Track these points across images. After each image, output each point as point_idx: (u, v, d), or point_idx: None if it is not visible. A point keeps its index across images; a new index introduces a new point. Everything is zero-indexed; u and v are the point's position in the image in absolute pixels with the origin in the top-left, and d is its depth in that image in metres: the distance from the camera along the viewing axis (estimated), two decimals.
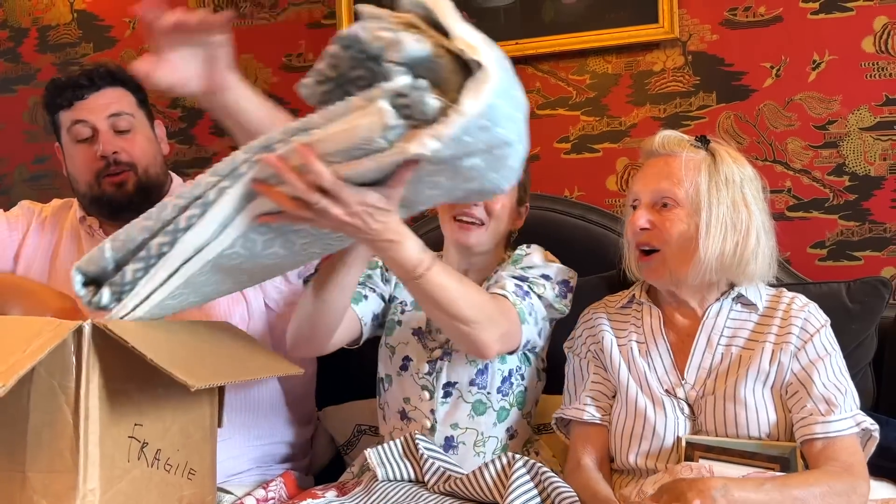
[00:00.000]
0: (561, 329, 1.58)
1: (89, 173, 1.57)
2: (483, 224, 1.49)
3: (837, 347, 1.35)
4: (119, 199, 1.57)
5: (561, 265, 1.55)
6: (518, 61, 2.10)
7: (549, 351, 1.61)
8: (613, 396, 1.46)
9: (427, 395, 1.49)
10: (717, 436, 1.31)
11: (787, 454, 1.26)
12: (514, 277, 1.46)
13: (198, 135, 2.42)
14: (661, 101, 2.04)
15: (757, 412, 1.30)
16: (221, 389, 1.20)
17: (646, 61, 2.05)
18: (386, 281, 1.60)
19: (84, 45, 2.55)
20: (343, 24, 2.22)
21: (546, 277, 1.49)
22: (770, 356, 1.33)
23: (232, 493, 1.46)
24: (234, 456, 1.52)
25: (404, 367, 1.53)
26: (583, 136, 2.11)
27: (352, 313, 1.47)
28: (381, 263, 1.58)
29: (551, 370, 1.62)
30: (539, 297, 1.46)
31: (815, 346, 1.32)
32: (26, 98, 2.62)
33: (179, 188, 1.67)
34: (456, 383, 1.49)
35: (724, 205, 1.33)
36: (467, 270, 1.53)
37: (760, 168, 1.94)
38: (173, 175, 1.73)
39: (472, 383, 1.49)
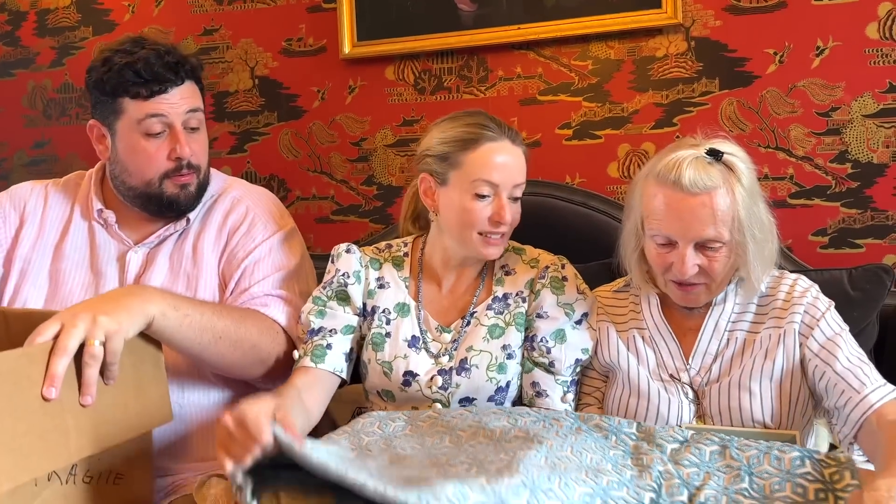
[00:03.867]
0: None
1: (154, 171, 1.48)
2: (503, 234, 1.44)
3: (846, 326, 1.35)
4: (181, 200, 1.51)
5: (587, 291, 1.49)
6: (520, 46, 2.10)
7: None
8: (604, 382, 1.48)
9: (440, 407, 1.42)
10: (721, 421, 1.32)
11: (787, 443, 1.26)
12: (565, 379, 1.42)
13: None
14: (664, 87, 2.03)
15: (761, 398, 1.31)
16: (164, 383, 1.21)
17: (648, 47, 2.04)
18: (343, 300, 1.49)
19: (83, 28, 2.54)
20: (343, 8, 2.20)
21: (585, 317, 1.46)
22: (776, 341, 1.34)
23: None
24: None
25: (407, 384, 1.44)
26: (584, 122, 2.10)
27: (322, 374, 1.41)
28: (332, 294, 1.49)
29: None
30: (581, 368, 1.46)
31: (823, 328, 1.32)
32: (25, 82, 2.61)
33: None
34: (474, 399, 1.43)
35: (762, 227, 1.31)
36: (465, 259, 1.49)
37: (763, 155, 1.95)
38: None
39: (490, 399, 1.43)
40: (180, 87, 1.47)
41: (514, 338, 1.44)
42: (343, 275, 1.49)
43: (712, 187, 1.26)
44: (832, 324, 1.33)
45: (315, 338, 1.44)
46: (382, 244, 1.59)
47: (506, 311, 1.47)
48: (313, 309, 1.47)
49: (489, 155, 1.38)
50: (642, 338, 1.42)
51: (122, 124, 1.48)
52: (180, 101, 1.47)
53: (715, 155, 1.29)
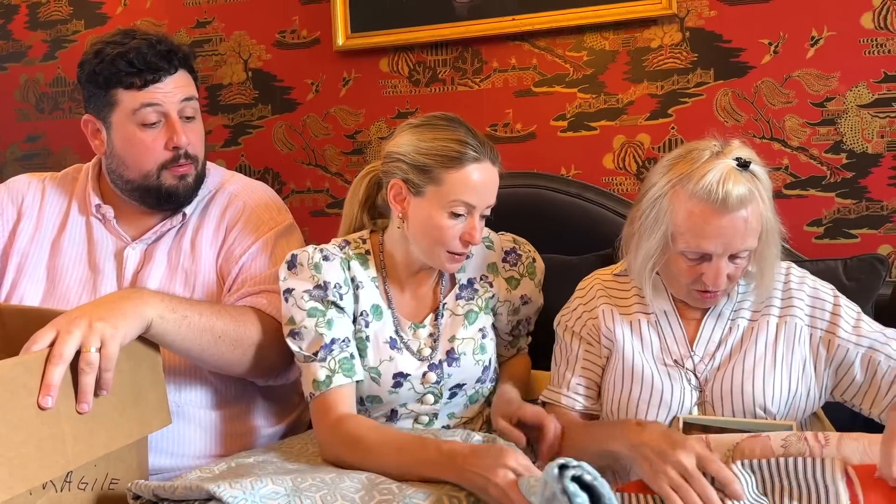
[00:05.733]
0: (552, 307, 1.57)
1: (152, 162, 1.47)
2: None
3: (854, 304, 1.38)
4: (180, 191, 1.49)
5: (538, 256, 1.60)
6: (514, 37, 2.09)
7: (537, 326, 1.62)
8: (601, 375, 1.46)
9: (432, 398, 1.44)
10: (723, 408, 1.33)
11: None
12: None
13: None
14: (659, 77, 2.03)
15: (764, 385, 1.31)
16: (163, 387, 1.22)
17: (643, 38, 2.03)
18: (339, 308, 1.39)
19: (75, 22, 2.52)
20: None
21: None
22: (776, 329, 1.35)
23: None
24: (216, 454, 1.48)
25: (398, 385, 1.41)
26: (579, 113, 2.09)
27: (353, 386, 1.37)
28: (329, 304, 1.38)
29: (539, 345, 1.63)
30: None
31: (844, 318, 1.34)
32: (17, 76, 2.59)
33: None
34: (464, 384, 1.46)
35: (775, 229, 1.32)
36: (426, 264, 1.45)
37: (758, 146, 1.95)
38: None
39: (478, 380, 1.47)
40: (174, 75, 1.46)
41: (486, 320, 1.51)
42: (335, 286, 1.39)
43: (750, 200, 1.25)
44: (849, 308, 1.36)
45: (334, 352, 1.35)
46: (339, 241, 1.49)
47: (476, 297, 1.50)
48: (319, 322, 1.36)
49: (471, 176, 1.34)
50: (648, 322, 1.42)
51: (116, 116, 1.46)
52: (174, 89, 1.46)
53: (744, 165, 1.27)
